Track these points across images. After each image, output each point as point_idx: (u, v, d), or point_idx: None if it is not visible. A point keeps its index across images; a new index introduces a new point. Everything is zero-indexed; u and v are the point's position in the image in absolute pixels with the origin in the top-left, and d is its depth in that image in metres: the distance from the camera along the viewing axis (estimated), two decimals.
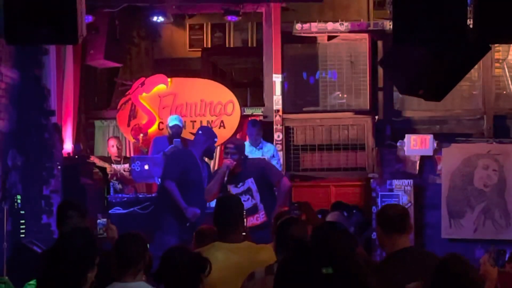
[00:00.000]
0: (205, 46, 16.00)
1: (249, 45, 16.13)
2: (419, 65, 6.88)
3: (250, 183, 8.66)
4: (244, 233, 5.76)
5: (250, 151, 11.08)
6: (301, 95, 12.31)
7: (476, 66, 8.55)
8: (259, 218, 8.59)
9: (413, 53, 6.85)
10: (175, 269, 4.37)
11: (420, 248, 5.30)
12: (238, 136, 12.16)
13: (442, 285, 4.07)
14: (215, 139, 9.40)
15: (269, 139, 11.56)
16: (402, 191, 11.04)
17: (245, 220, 8.31)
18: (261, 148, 11.11)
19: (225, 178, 8.59)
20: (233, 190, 8.63)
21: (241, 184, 8.65)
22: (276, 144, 11.70)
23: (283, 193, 8.78)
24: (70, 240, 4.24)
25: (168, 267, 4.40)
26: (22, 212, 9.47)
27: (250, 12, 12.46)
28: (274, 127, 11.88)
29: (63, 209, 5.94)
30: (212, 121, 12.22)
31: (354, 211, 9.86)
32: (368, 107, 12.04)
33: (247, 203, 8.53)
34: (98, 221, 5.79)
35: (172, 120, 11.00)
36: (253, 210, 8.61)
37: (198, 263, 4.41)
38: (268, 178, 8.77)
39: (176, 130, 10.86)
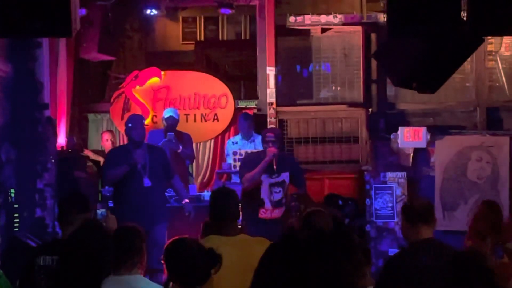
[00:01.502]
0: (198, 39, 16.00)
1: (243, 38, 16.13)
2: (413, 57, 6.89)
3: (285, 177, 8.83)
4: (240, 226, 5.78)
5: (242, 144, 11.13)
6: (294, 88, 12.31)
7: (469, 59, 8.55)
8: (281, 211, 8.75)
9: (406, 46, 6.85)
10: (188, 261, 4.37)
11: (441, 241, 5.54)
12: (232, 129, 12.19)
13: (464, 278, 4.18)
14: (129, 124, 9.04)
15: None
16: (395, 183, 11.04)
17: (271, 211, 8.49)
18: (253, 141, 11.14)
19: (274, 167, 8.70)
20: (267, 179, 8.75)
21: (275, 175, 8.82)
22: None
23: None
24: (85, 235, 4.24)
25: (181, 258, 4.39)
26: (16, 205, 9.46)
27: (244, 5, 12.46)
28: (268, 120, 11.87)
29: (61, 205, 5.95)
30: (206, 114, 12.23)
31: (350, 202, 9.91)
32: (362, 100, 12.05)
33: (278, 195, 8.76)
34: (98, 211, 5.80)
35: (167, 113, 11.01)
36: (280, 203, 8.77)
37: (211, 258, 4.42)
38: (295, 178, 8.94)
39: (171, 123, 10.86)
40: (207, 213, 5.54)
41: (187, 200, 9.34)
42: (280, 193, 8.79)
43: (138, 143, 8.95)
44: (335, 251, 2.47)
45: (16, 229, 9.36)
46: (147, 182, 8.81)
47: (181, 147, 10.64)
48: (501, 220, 6.62)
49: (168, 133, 10.63)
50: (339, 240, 2.53)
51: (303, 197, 6.76)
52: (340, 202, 9.18)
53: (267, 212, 8.74)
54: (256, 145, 10.98)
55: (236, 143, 11.30)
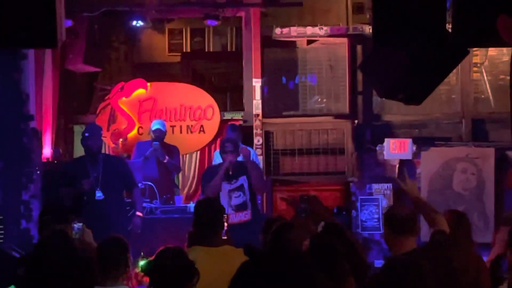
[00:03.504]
0: (184, 50, 15.98)
1: (229, 49, 16.12)
2: (399, 69, 6.89)
3: (243, 180, 8.88)
4: (225, 237, 5.76)
5: None
6: (280, 100, 12.32)
7: (454, 70, 8.57)
8: (247, 215, 8.79)
9: (392, 57, 6.86)
10: (164, 270, 4.39)
11: (425, 250, 5.23)
12: (218, 140, 12.16)
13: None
14: (85, 134, 9.02)
15: (249, 143, 11.55)
16: (381, 195, 11.07)
17: (234, 215, 8.55)
18: None
19: (230, 173, 8.77)
20: (226, 186, 8.80)
21: (234, 180, 8.88)
22: (256, 148, 11.70)
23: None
24: (48, 245, 4.22)
25: (159, 266, 4.41)
26: (1, 217, 9.42)
27: (230, 16, 12.47)
28: (254, 131, 11.88)
29: (41, 215, 5.94)
30: (191, 125, 12.22)
31: (344, 212, 9.97)
32: (348, 111, 12.07)
33: (239, 199, 8.82)
34: (74, 225, 5.76)
35: (155, 125, 11.01)
36: (243, 206, 8.85)
37: (187, 271, 4.42)
38: (250, 177, 8.97)
39: (159, 135, 10.85)
40: (191, 224, 5.54)
41: (139, 214, 9.10)
42: (240, 197, 8.89)
43: (94, 154, 8.92)
44: (304, 269, 2.43)
45: (1, 241, 9.32)
46: (99, 195, 8.75)
47: (167, 157, 10.63)
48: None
49: (153, 142, 10.63)
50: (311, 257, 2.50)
51: (313, 200, 6.65)
52: (335, 210, 9.24)
53: (229, 218, 8.77)
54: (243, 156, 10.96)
55: None
